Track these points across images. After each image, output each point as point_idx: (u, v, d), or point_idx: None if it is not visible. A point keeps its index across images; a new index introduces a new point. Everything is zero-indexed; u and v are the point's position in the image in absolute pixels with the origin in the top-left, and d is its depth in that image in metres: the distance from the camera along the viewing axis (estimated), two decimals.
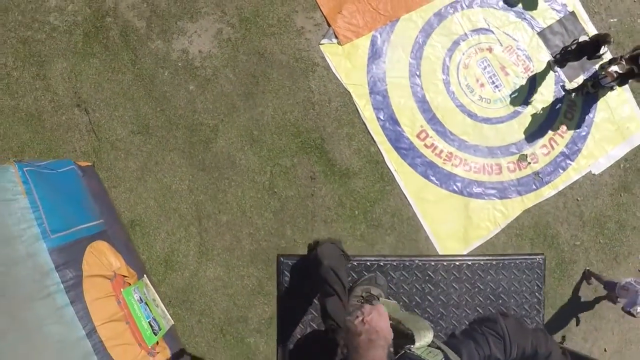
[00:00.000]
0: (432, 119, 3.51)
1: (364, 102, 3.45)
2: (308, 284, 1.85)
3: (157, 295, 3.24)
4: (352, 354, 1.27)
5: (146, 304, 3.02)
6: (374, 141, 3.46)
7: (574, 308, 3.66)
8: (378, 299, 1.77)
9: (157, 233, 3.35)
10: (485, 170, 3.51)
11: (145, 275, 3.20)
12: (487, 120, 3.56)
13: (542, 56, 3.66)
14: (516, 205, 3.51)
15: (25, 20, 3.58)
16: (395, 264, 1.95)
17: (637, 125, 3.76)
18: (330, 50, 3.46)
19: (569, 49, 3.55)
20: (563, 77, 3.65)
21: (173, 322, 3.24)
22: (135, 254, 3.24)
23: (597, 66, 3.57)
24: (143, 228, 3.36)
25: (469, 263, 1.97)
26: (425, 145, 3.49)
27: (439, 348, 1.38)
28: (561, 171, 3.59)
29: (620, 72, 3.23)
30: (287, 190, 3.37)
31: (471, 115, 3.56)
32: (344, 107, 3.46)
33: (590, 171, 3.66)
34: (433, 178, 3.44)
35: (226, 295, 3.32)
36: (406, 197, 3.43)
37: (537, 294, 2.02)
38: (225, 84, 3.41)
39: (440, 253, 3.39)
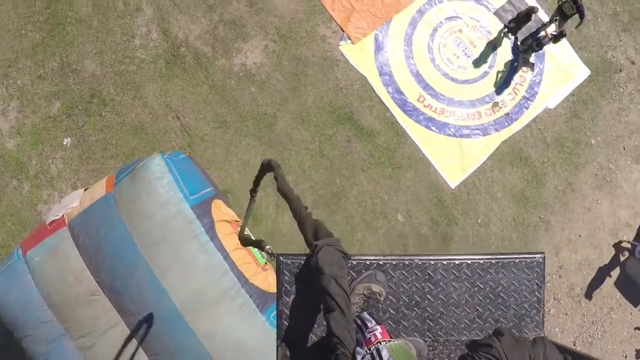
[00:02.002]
0: (426, 87, 4.81)
1: (376, 82, 4.74)
2: (309, 285, 1.85)
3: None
4: None
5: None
6: (388, 108, 4.71)
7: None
8: (380, 299, 1.84)
9: (243, 196, 4.65)
10: (469, 117, 4.82)
11: None
12: (465, 82, 4.87)
13: (499, 29, 4.96)
14: (495, 139, 4.79)
15: (118, 57, 4.72)
16: (394, 262, 1.94)
17: (577, 69, 5.05)
18: (347, 49, 4.77)
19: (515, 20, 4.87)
20: (516, 41, 4.96)
21: None
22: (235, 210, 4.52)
23: (539, 29, 4.86)
24: (233, 194, 4.62)
25: (469, 262, 1.97)
26: (424, 106, 4.78)
27: None
28: (525, 110, 4.87)
29: (554, 33, 4.54)
30: (332, 152, 4.64)
31: (453, 80, 4.86)
32: (363, 87, 4.74)
33: (547, 106, 4.93)
34: (433, 128, 4.74)
35: (299, 232, 4.60)
36: (416, 144, 4.72)
37: (536, 292, 1.99)
38: (276, 83, 4.70)
39: (447, 180, 4.70)
